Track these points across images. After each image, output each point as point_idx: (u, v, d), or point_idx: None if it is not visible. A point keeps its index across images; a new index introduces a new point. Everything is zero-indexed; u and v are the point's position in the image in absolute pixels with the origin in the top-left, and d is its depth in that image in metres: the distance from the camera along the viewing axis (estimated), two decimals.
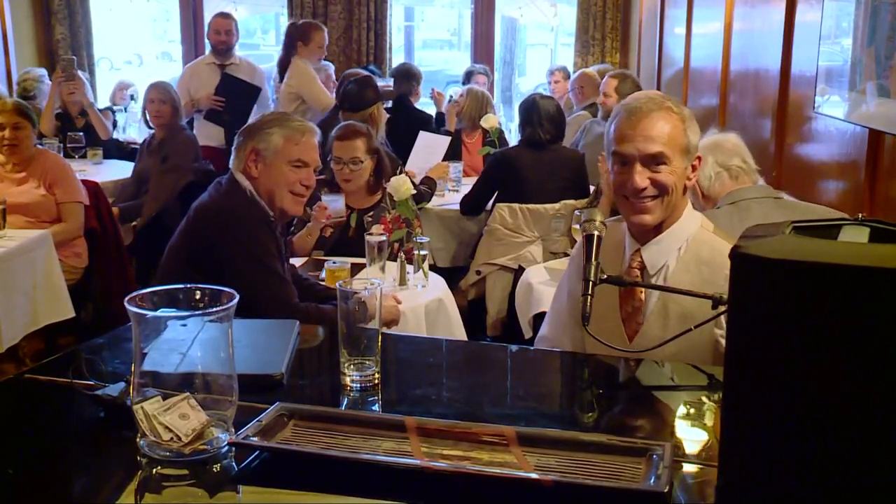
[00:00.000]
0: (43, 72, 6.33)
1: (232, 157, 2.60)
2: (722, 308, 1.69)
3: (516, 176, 4.28)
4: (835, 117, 3.09)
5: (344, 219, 3.56)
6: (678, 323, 1.86)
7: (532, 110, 4.36)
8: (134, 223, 4.99)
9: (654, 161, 1.89)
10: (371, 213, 3.61)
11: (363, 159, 3.56)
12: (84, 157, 5.69)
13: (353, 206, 3.62)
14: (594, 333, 1.75)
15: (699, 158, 1.96)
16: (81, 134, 5.76)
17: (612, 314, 1.96)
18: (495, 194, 4.39)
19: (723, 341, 1.84)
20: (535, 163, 4.29)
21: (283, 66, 5.77)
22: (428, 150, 4.97)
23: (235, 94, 5.62)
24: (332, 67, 6.49)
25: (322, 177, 3.67)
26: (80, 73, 5.96)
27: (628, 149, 1.90)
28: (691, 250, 1.93)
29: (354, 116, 4.33)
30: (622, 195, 1.94)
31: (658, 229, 1.95)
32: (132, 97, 7.19)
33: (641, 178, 1.89)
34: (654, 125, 1.88)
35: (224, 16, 5.96)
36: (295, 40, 5.74)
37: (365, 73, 5.23)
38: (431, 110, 6.24)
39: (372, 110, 4.52)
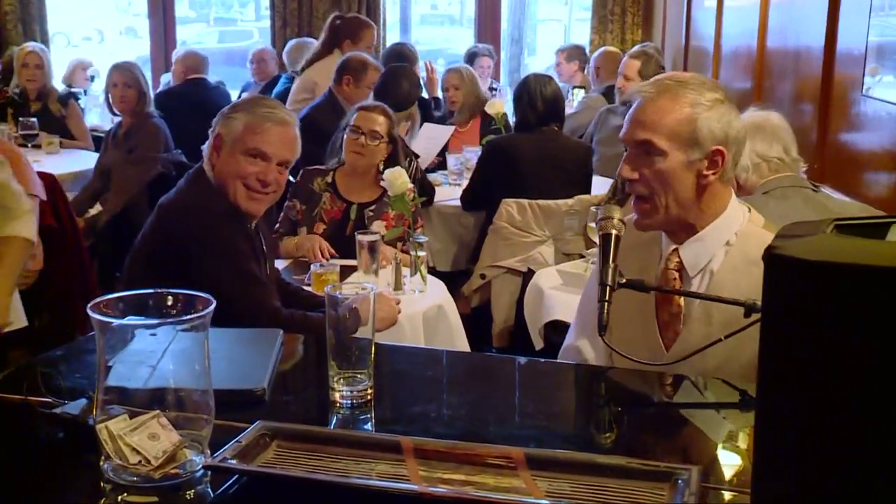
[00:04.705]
0: None
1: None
2: (756, 316, 1.69)
3: (513, 166, 4.30)
4: (887, 101, 3.09)
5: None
6: (722, 331, 1.78)
7: (522, 89, 4.44)
8: (86, 215, 4.97)
9: (643, 150, 1.87)
10: (373, 208, 3.62)
11: (383, 135, 3.60)
12: (38, 146, 5.68)
13: (353, 199, 3.63)
14: (624, 342, 1.75)
15: (721, 152, 1.84)
16: (35, 120, 5.74)
17: (647, 321, 1.93)
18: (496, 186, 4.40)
19: None
20: (534, 151, 4.30)
21: (320, 58, 5.73)
22: (430, 140, 5.00)
23: None
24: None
25: (326, 168, 3.70)
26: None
27: (623, 133, 1.92)
28: (738, 248, 1.89)
29: (399, 115, 4.43)
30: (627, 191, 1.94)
31: (692, 228, 1.90)
32: (92, 78, 7.18)
33: (628, 166, 1.88)
34: (651, 109, 1.86)
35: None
36: (343, 37, 5.72)
37: (400, 65, 5.21)
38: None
39: (412, 109, 4.65)
